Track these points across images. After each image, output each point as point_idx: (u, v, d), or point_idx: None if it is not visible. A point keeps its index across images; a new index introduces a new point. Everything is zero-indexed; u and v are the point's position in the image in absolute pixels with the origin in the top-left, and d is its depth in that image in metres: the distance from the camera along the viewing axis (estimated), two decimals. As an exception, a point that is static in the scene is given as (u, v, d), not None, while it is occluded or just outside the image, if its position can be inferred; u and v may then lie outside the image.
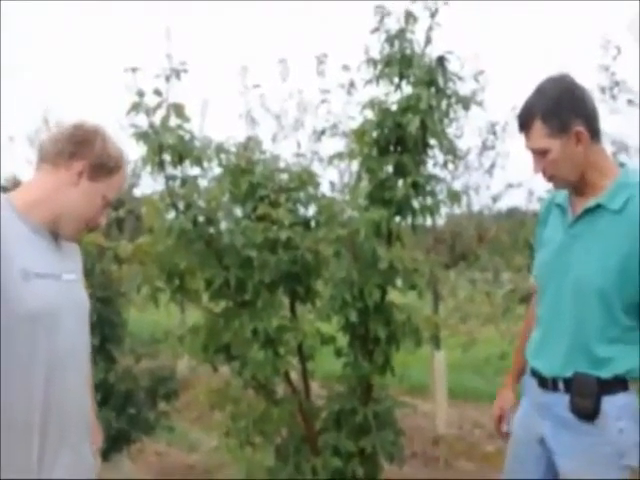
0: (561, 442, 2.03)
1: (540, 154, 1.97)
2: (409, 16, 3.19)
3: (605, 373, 1.93)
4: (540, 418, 2.08)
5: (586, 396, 1.94)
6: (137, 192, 3.99)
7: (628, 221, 1.89)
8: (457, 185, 5.79)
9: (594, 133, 1.95)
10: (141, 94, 2.82)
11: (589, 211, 1.97)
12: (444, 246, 6.35)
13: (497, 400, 2.37)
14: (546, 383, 2.05)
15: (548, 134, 1.92)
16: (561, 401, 1.99)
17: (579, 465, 1.99)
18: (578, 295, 1.96)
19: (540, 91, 1.97)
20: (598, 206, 1.95)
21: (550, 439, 2.05)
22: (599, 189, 1.96)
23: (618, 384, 1.94)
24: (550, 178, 2.02)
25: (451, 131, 3.48)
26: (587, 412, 1.94)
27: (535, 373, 2.11)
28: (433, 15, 3.15)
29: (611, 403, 1.93)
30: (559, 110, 1.91)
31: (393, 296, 3.46)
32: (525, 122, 1.97)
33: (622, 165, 2.07)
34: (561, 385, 2.00)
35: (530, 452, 2.13)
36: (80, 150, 1.77)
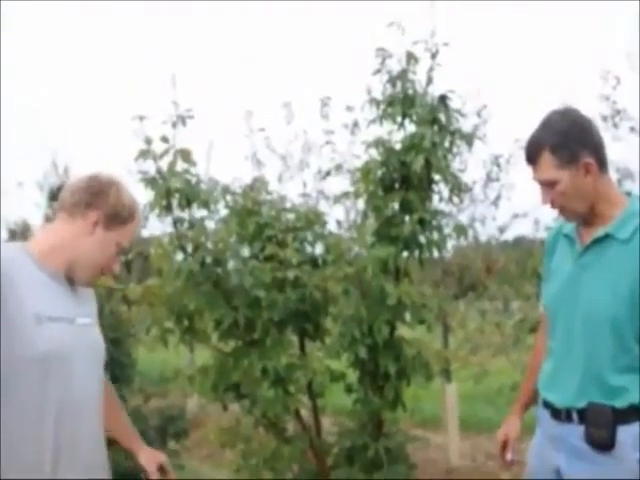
0: (577, 473, 1.99)
1: (548, 185, 1.97)
2: (410, 57, 3.26)
3: (620, 402, 1.91)
4: (554, 450, 2.05)
5: (601, 426, 1.92)
6: (145, 233, 4.04)
7: (635, 250, 1.90)
8: (463, 217, 5.84)
9: (602, 164, 1.97)
10: (148, 141, 2.89)
11: (598, 241, 1.97)
12: (453, 278, 6.35)
13: (502, 428, 2.32)
14: (559, 414, 2.03)
15: (557, 165, 1.93)
16: (575, 432, 1.97)
17: None
18: (589, 325, 1.96)
19: (547, 124, 1.98)
20: (607, 236, 1.96)
21: (565, 470, 2.02)
22: (608, 219, 1.97)
23: (633, 413, 1.91)
24: (559, 210, 2.02)
25: (455, 165, 3.53)
26: (603, 442, 1.92)
27: (548, 405, 2.09)
28: (434, 56, 3.22)
29: (627, 433, 1.90)
30: (568, 141, 1.92)
31: (402, 331, 3.47)
32: (533, 154, 1.98)
33: (629, 194, 2.08)
34: (575, 416, 1.98)
35: None
36: (95, 201, 1.83)
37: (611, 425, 1.91)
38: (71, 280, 1.83)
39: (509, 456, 2.30)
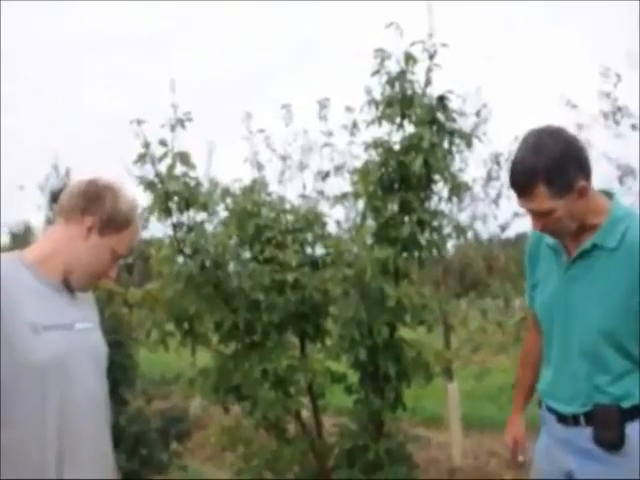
0: (589, 474, 1.98)
1: (542, 214, 1.90)
2: (409, 58, 3.25)
3: (625, 403, 1.91)
4: (564, 454, 2.04)
5: (609, 426, 1.92)
6: (146, 235, 4.05)
7: (626, 254, 1.88)
8: (464, 216, 5.83)
9: (590, 181, 1.90)
10: (147, 145, 2.89)
11: (586, 252, 1.94)
12: (454, 277, 6.35)
13: (508, 429, 2.30)
14: (566, 419, 2.03)
15: (553, 195, 1.84)
16: (583, 434, 1.97)
17: None
18: (585, 340, 1.95)
19: (539, 150, 1.84)
20: (594, 246, 1.92)
21: (578, 473, 2.01)
22: (593, 228, 1.93)
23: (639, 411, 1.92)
24: (551, 233, 1.98)
25: (456, 164, 3.52)
26: (613, 442, 1.92)
27: (552, 410, 2.08)
28: (432, 57, 3.21)
29: (635, 429, 1.91)
30: (563, 170, 1.84)
31: (403, 332, 3.47)
32: (526, 186, 1.85)
33: (609, 195, 2.03)
34: (582, 419, 1.98)
35: None
36: (91, 206, 1.82)
37: (619, 424, 1.92)
38: (69, 286, 1.83)
39: (521, 458, 2.28)
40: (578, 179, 1.86)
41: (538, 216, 1.91)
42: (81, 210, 1.81)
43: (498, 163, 5.99)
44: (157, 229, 3.27)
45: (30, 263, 1.77)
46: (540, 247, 2.12)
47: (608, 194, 2.01)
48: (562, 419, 2.05)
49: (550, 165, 1.83)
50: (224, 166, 3.68)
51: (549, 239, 2.06)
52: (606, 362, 1.94)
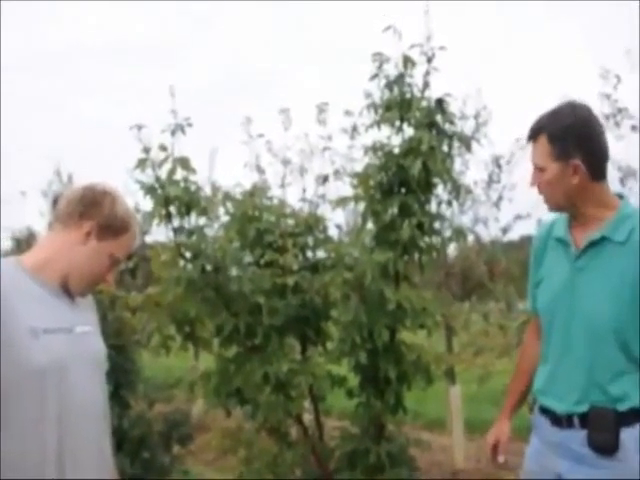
0: (578, 477, 1.97)
1: (538, 170, 2.02)
2: (407, 61, 3.26)
3: (622, 406, 1.91)
4: (556, 457, 2.03)
5: (604, 430, 1.92)
6: (148, 239, 4.08)
7: (633, 251, 1.90)
8: (465, 219, 5.83)
9: (595, 172, 1.95)
10: (147, 150, 2.91)
11: (594, 244, 1.96)
12: (456, 280, 6.35)
13: (492, 430, 2.29)
14: (560, 421, 2.01)
15: (550, 154, 1.96)
16: (577, 437, 1.96)
17: None
18: (591, 332, 1.94)
19: (556, 112, 1.99)
20: (602, 238, 1.95)
21: (566, 475, 2.00)
22: (601, 221, 1.97)
23: (635, 416, 1.91)
24: (543, 197, 2.06)
25: (456, 167, 3.53)
26: (607, 446, 1.92)
27: (547, 411, 2.07)
28: (430, 60, 3.22)
29: (629, 435, 1.90)
30: (565, 137, 1.94)
31: (404, 335, 3.48)
32: (533, 135, 2.02)
33: (621, 197, 2.07)
34: (576, 421, 1.97)
35: None
36: (89, 211, 1.84)
37: (614, 428, 1.91)
38: (68, 291, 1.85)
39: (501, 458, 2.28)
40: (574, 155, 1.94)
41: (535, 170, 2.04)
42: (79, 215, 1.83)
43: (499, 166, 5.99)
44: (160, 233, 3.29)
45: (28, 268, 1.78)
46: (548, 242, 2.15)
47: (619, 196, 2.07)
48: (556, 421, 2.04)
49: (556, 127, 1.97)
50: (226, 171, 3.71)
51: (557, 231, 2.10)
52: (608, 358, 1.93)
